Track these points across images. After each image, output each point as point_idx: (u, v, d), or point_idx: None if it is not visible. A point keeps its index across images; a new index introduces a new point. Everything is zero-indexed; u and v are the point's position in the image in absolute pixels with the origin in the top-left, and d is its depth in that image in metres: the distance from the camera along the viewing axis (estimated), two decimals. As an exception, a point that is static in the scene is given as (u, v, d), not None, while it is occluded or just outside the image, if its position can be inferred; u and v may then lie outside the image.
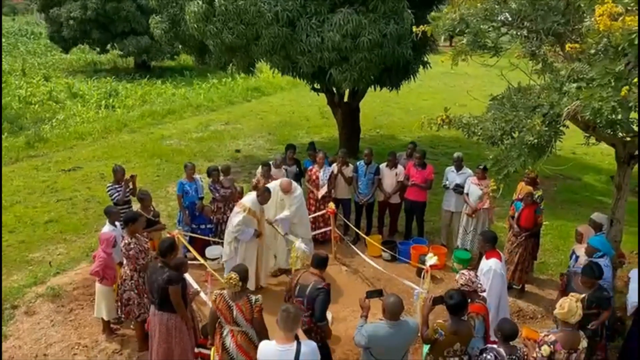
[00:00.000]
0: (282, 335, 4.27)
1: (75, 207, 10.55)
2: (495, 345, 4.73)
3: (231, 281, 4.89)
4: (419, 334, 4.87)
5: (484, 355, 4.67)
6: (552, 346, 4.59)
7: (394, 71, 11.46)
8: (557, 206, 10.98)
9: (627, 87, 4.37)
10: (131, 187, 7.92)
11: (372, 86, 12.47)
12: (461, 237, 8.47)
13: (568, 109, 5.08)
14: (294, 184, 7.86)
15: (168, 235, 7.55)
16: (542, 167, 5.77)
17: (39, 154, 13.68)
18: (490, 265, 5.93)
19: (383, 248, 8.48)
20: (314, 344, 4.37)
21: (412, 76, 12.18)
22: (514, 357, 4.63)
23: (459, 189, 8.45)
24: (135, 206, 7.83)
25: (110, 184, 7.88)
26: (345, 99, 13.31)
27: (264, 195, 7.16)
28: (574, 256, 6.56)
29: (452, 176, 8.67)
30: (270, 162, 9.04)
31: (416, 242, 8.77)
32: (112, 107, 18.24)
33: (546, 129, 5.24)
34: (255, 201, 7.15)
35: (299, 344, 4.25)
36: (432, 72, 24.44)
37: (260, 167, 8.88)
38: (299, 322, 4.36)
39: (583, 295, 4.91)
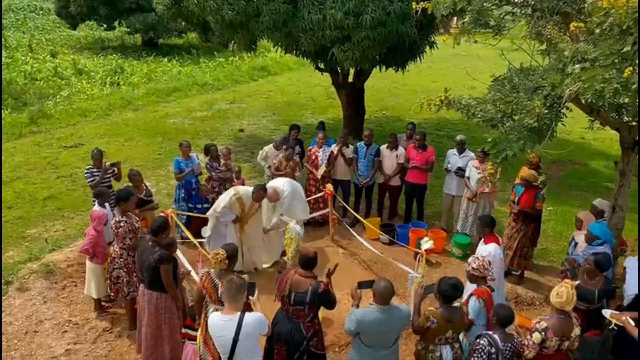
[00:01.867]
0: (227, 306, 4.23)
1: (75, 183, 10.51)
2: (490, 332, 4.63)
3: (217, 256, 4.80)
4: (411, 321, 4.78)
5: (479, 340, 4.58)
6: (543, 333, 4.47)
7: (400, 51, 11.20)
8: (563, 192, 10.77)
9: (631, 68, 4.17)
10: (116, 172, 7.69)
11: (378, 67, 12.25)
12: (461, 222, 8.32)
13: (570, 90, 4.88)
14: (280, 187, 7.56)
15: (162, 214, 7.50)
16: (542, 152, 5.60)
17: (41, 130, 13.63)
18: (489, 250, 5.80)
19: (380, 231, 8.35)
20: (259, 315, 4.33)
21: (418, 57, 11.90)
22: (508, 345, 4.51)
23: (460, 172, 8.27)
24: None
25: (89, 167, 7.58)
26: (350, 79, 13.07)
27: (258, 194, 7.04)
28: (573, 242, 6.41)
29: (454, 159, 8.49)
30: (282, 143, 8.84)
31: (415, 225, 8.63)
32: (117, 85, 18.14)
33: (546, 111, 5.05)
34: (249, 194, 7.04)
35: (242, 314, 4.19)
36: (442, 53, 24.04)
37: (269, 147, 8.72)
38: (244, 293, 4.29)
39: (577, 282, 4.77)
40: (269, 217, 7.63)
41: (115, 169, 7.68)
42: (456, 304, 4.83)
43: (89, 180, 7.48)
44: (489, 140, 5.68)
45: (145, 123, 14.65)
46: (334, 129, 12.32)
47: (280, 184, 7.62)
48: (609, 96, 4.39)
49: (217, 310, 4.75)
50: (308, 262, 4.91)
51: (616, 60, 4.51)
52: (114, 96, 16.71)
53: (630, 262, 5.94)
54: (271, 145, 8.92)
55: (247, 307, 4.50)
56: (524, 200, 7.14)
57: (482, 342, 4.52)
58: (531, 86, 5.35)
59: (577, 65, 5.05)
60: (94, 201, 6.76)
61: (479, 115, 5.90)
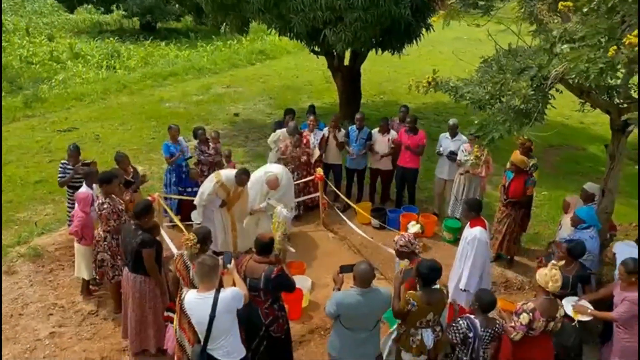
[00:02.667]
0: (201, 287, 4.23)
1: (67, 167, 10.45)
2: (472, 315, 4.59)
3: (188, 242, 4.77)
4: (392, 305, 4.74)
5: (459, 319, 4.56)
6: (531, 314, 4.45)
7: (395, 34, 11.06)
8: (559, 176, 10.67)
9: (615, 47, 4.06)
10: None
11: (375, 50, 12.11)
12: (452, 206, 8.26)
13: (556, 71, 4.77)
14: (280, 174, 7.44)
15: (149, 197, 7.46)
16: (529, 134, 5.49)
17: (35, 114, 13.56)
18: (474, 234, 5.75)
19: (368, 215, 8.27)
20: (235, 290, 4.30)
21: (415, 40, 11.74)
22: (489, 330, 4.47)
23: (452, 156, 8.18)
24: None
25: (64, 162, 7.23)
26: (346, 63, 12.92)
27: (241, 178, 6.92)
28: (559, 227, 6.36)
29: (447, 143, 8.39)
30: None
31: (407, 210, 8.56)
32: (114, 69, 18.01)
33: (532, 92, 4.94)
34: (232, 179, 6.94)
35: (217, 291, 4.16)
36: (442, 37, 23.82)
37: (281, 131, 8.61)
38: (217, 273, 4.25)
39: (562, 262, 4.72)
40: (257, 202, 7.53)
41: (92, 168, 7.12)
42: (436, 285, 4.79)
43: (60, 175, 7.18)
44: (476, 122, 5.60)
45: (140, 107, 14.56)
46: (330, 113, 12.19)
47: (278, 172, 7.49)
48: (594, 76, 4.28)
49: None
50: (263, 248, 4.80)
51: (602, 40, 4.39)
52: (110, 80, 16.60)
53: (619, 248, 5.86)
54: (284, 129, 8.76)
55: None
56: (513, 188, 7.06)
57: (461, 322, 4.51)
58: (518, 67, 5.24)
59: (566, 46, 4.93)
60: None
61: (467, 98, 5.80)
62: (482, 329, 4.46)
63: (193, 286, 4.79)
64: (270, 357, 4.82)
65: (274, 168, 7.58)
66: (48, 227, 8.21)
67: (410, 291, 4.70)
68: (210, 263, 4.20)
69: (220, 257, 4.80)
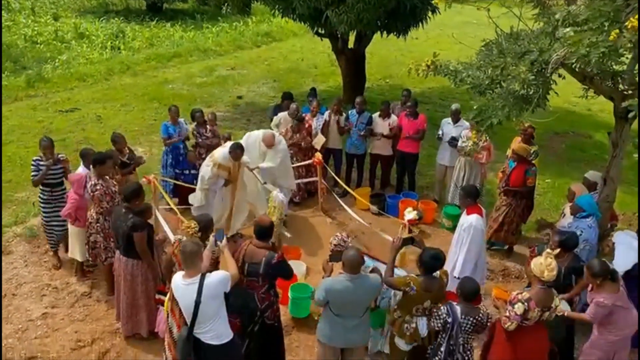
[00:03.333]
0: (186, 272, 4.20)
1: (67, 148, 10.38)
2: (455, 302, 4.53)
3: (189, 230, 4.72)
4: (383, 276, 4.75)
5: (441, 306, 4.51)
6: (526, 304, 4.36)
7: (401, 16, 10.87)
8: (563, 164, 10.51)
9: (617, 30, 3.90)
10: (61, 167, 6.73)
11: (380, 32, 11.92)
12: (452, 192, 8.14)
13: (557, 55, 4.63)
14: (277, 137, 7.47)
15: (144, 179, 7.40)
16: (528, 120, 5.37)
17: (38, 94, 13.49)
18: (470, 221, 5.67)
19: (365, 201, 8.18)
20: (221, 274, 4.26)
21: (420, 22, 11.54)
22: (470, 318, 4.40)
23: (453, 142, 8.03)
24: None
25: (37, 158, 6.62)
26: (351, 46, 12.74)
27: (235, 152, 6.82)
28: (562, 214, 6.24)
29: (448, 128, 8.25)
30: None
31: (406, 196, 8.45)
32: (118, 49, 17.85)
33: (532, 77, 4.80)
34: (226, 156, 6.85)
35: (203, 276, 4.13)
36: (452, 21, 23.46)
37: (283, 114, 8.52)
38: (198, 257, 4.21)
39: (557, 251, 4.63)
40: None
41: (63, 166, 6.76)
42: (436, 274, 4.73)
43: (33, 173, 6.58)
44: (475, 107, 5.47)
45: (143, 88, 14.46)
46: (335, 97, 12.03)
47: (277, 133, 7.51)
48: (595, 61, 4.13)
49: None
50: (263, 232, 4.73)
51: (605, 23, 4.24)
52: (114, 61, 16.47)
53: (619, 237, 5.74)
54: (286, 113, 8.64)
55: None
56: (514, 177, 6.93)
57: (442, 308, 4.48)
58: (519, 51, 5.09)
59: (568, 29, 4.78)
60: None
61: (468, 82, 5.67)
62: (463, 316, 4.41)
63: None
64: (261, 344, 4.78)
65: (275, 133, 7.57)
66: (45, 207, 8.17)
67: (412, 275, 4.68)
68: (190, 249, 4.16)
69: (212, 235, 4.75)
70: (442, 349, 4.47)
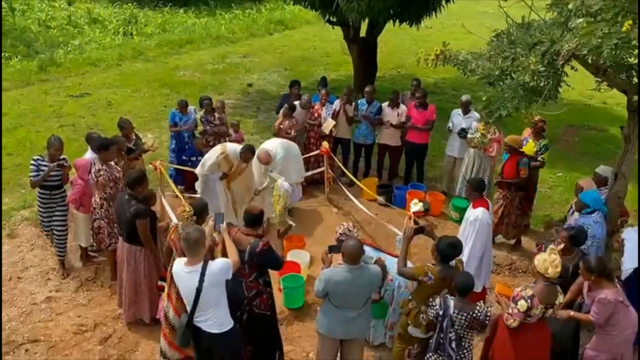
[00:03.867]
0: (189, 259, 4.17)
1: (76, 133, 10.45)
2: (451, 297, 4.47)
3: (184, 214, 4.69)
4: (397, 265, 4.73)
5: (435, 299, 4.47)
6: (529, 301, 4.29)
7: (413, 5, 10.72)
8: (576, 158, 10.34)
9: (630, 21, 3.78)
10: (60, 171, 6.26)
11: (392, 21, 11.76)
12: (460, 184, 8.05)
13: (568, 46, 4.50)
14: (272, 150, 7.25)
15: (151, 165, 7.41)
16: (537, 112, 5.25)
17: (50, 79, 13.57)
18: (477, 215, 5.59)
19: (372, 192, 8.10)
20: (223, 262, 4.22)
21: (434, 11, 11.37)
22: (464, 314, 4.33)
23: (463, 133, 7.92)
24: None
25: (37, 158, 6.15)
26: (363, 34, 12.60)
27: (246, 155, 6.77)
28: (571, 210, 6.13)
29: (458, 119, 8.14)
30: (297, 103, 8.45)
31: (414, 187, 8.36)
32: (130, 35, 17.86)
33: (543, 68, 4.68)
34: (237, 154, 6.80)
35: (205, 264, 4.10)
36: (469, 11, 23.11)
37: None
38: (201, 245, 4.16)
39: (560, 246, 4.53)
40: (261, 181, 7.38)
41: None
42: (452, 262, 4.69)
43: (33, 174, 6.11)
44: (484, 99, 5.37)
45: (154, 74, 14.46)
46: (345, 86, 11.93)
47: (272, 146, 7.33)
48: (607, 53, 4.01)
49: None
50: (251, 219, 4.69)
51: (619, 14, 4.10)
52: (126, 46, 16.49)
53: (628, 234, 5.61)
54: (297, 103, 8.57)
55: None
56: (507, 169, 6.85)
57: (436, 300, 4.44)
58: (530, 42, 4.96)
59: (581, 20, 4.65)
60: None
61: (478, 72, 5.55)
62: (456, 311, 4.34)
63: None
64: (251, 333, 4.75)
65: (267, 145, 7.43)
66: (54, 191, 8.21)
67: (429, 264, 4.63)
68: (194, 237, 4.11)
69: (211, 219, 4.72)
70: (431, 341, 4.47)
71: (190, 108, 8.31)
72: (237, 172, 6.99)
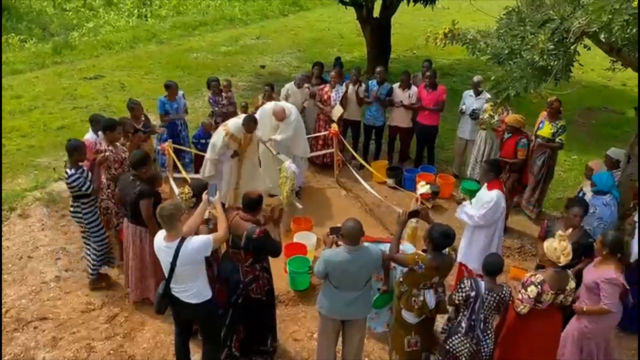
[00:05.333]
0: (167, 234, 4.22)
1: (89, 115, 10.47)
2: (479, 278, 4.41)
3: (182, 195, 4.69)
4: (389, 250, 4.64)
5: (464, 279, 4.41)
6: (540, 286, 4.23)
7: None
8: (592, 141, 10.12)
9: (643, -5, 3.63)
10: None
11: (406, 1, 11.58)
12: (471, 167, 7.94)
13: (579, 23, 4.35)
14: (288, 108, 7.30)
15: (159, 147, 7.42)
16: (547, 91, 5.11)
17: (64, 61, 13.68)
18: (492, 196, 5.42)
19: (382, 175, 8.03)
20: (201, 239, 4.24)
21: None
22: (494, 294, 4.27)
23: (475, 114, 7.79)
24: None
25: (72, 173, 5.46)
26: (376, 15, 12.42)
27: (249, 125, 6.73)
28: (581, 193, 5.99)
29: (470, 101, 8.00)
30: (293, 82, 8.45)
31: (424, 170, 8.27)
32: (145, 17, 17.91)
33: (552, 47, 4.54)
34: (239, 127, 6.76)
35: (181, 241, 4.14)
36: (488, -10, 22.45)
37: (290, 85, 8.42)
38: (176, 219, 4.19)
39: (569, 231, 4.43)
40: (267, 137, 7.35)
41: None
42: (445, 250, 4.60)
43: (85, 186, 5.51)
44: (492, 78, 5.24)
45: (167, 56, 14.47)
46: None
47: (288, 106, 7.43)
48: (617, 29, 3.87)
49: None
50: (250, 204, 4.63)
51: (631, -13, 3.95)
52: (140, 29, 16.54)
53: (640, 217, 5.49)
54: (292, 83, 8.54)
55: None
56: (505, 148, 6.73)
57: (465, 282, 4.35)
58: (539, 19, 4.82)
59: (594, -6, 4.49)
60: None
61: (487, 52, 5.42)
62: (487, 292, 4.27)
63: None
64: (246, 316, 4.76)
65: (284, 103, 7.49)
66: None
67: (420, 252, 4.55)
68: (167, 212, 4.15)
69: (205, 193, 4.71)
70: (463, 324, 4.35)
71: (179, 93, 8.10)
72: (246, 144, 6.99)
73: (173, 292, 4.35)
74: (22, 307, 5.64)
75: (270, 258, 4.82)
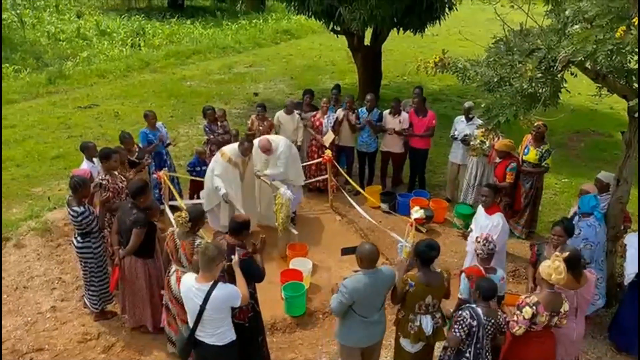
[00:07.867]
0: (201, 274, 4.12)
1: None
2: (474, 305, 4.44)
3: (179, 219, 4.73)
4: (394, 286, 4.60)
5: (460, 312, 4.40)
6: (534, 307, 4.26)
7: (417, 12, 10.75)
8: (581, 163, 10.28)
9: (624, 27, 3.78)
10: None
11: (396, 29, 11.82)
12: (464, 191, 8.02)
13: (564, 52, 4.51)
14: (275, 141, 7.33)
15: (154, 175, 7.48)
16: (535, 117, 5.25)
17: (58, 91, 13.79)
18: (498, 220, 5.60)
19: (376, 200, 8.11)
20: (230, 288, 4.17)
21: (437, 19, 11.41)
22: (491, 320, 4.31)
23: (466, 139, 7.92)
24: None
25: (82, 210, 5.43)
26: (367, 42, 12.66)
27: (244, 146, 6.82)
28: (576, 217, 6.09)
29: (461, 126, 8.13)
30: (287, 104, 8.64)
31: (417, 194, 8.37)
32: (138, 46, 18.11)
33: (540, 75, 4.69)
34: (237, 151, 6.85)
35: (214, 285, 4.06)
36: (475, 18, 23.04)
37: (280, 112, 8.57)
38: (218, 263, 4.10)
39: (566, 253, 4.51)
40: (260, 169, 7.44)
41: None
42: (437, 270, 4.64)
43: (93, 223, 5.58)
44: (483, 105, 5.38)
45: (161, 85, 14.63)
46: (351, 94, 11.99)
47: (275, 138, 7.49)
48: (602, 58, 4.02)
49: (177, 270, 4.73)
50: (235, 227, 4.65)
51: (613, 20, 4.11)
52: (134, 58, 16.71)
53: (630, 239, 5.59)
54: (282, 110, 8.68)
55: None
56: (496, 172, 6.93)
57: (464, 314, 4.34)
58: (527, 48, 4.98)
59: (577, 26, 4.67)
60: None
61: (477, 80, 5.57)
62: (485, 318, 4.30)
63: (180, 263, 4.79)
64: None
65: (270, 136, 7.55)
66: (61, 202, 8.25)
67: (409, 272, 4.56)
68: (211, 254, 4.05)
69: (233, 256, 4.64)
70: (468, 354, 4.35)
71: (158, 124, 8.11)
72: (245, 168, 7.08)
73: (197, 336, 4.24)
74: (18, 338, 5.59)
75: (262, 287, 4.81)
